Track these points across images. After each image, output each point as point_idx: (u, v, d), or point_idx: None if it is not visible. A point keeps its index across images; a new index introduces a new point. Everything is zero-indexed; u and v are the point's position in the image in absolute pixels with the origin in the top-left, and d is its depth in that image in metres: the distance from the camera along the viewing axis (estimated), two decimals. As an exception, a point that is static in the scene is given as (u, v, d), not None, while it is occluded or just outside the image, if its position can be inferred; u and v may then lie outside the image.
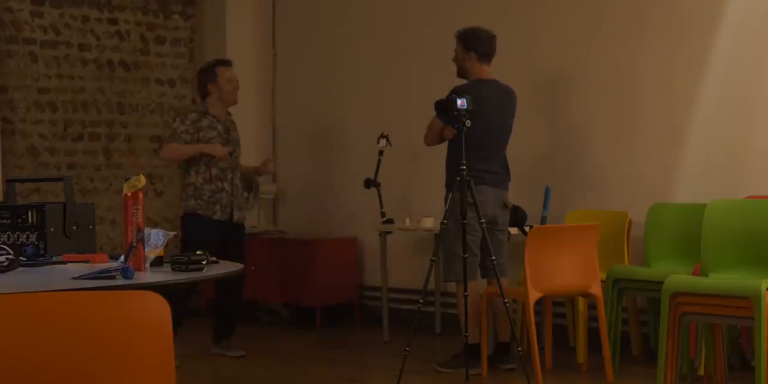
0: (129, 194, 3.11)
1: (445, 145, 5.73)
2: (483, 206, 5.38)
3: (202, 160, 5.99)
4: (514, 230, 5.87)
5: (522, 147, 6.17)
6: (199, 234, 5.85)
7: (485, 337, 5.46)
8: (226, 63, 6.23)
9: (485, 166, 5.59)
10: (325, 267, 7.30)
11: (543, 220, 6.07)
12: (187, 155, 5.97)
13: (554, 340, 5.79)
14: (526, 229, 5.82)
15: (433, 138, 5.70)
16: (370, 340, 6.74)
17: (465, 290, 5.31)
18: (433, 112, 5.53)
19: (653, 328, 5.71)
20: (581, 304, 5.65)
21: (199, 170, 6.01)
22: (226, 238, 6.04)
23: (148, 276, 2.95)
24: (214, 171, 6.03)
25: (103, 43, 7.69)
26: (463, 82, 5.72)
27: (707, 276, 4.72)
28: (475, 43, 5.69)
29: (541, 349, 5.59)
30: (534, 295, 5.16)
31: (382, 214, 6.73)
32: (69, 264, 3.26)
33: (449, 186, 5.58)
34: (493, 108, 5.61)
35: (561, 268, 5.24)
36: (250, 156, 7.98)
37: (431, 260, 5.18)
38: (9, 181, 4.09)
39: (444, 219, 5.24)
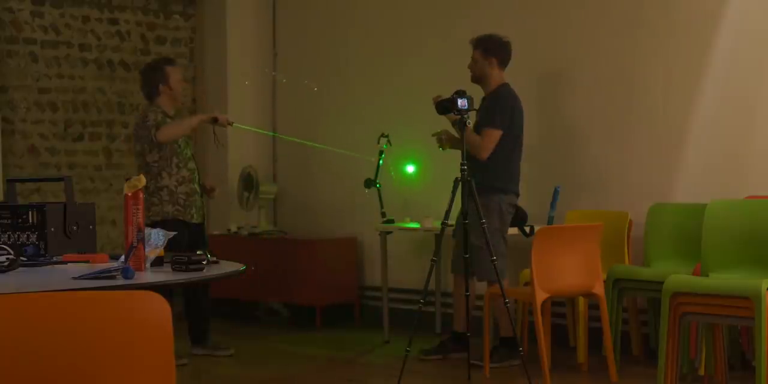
0: (129, 194, 3.11)
1: (437, 149, 5.88)
2: (507, 210, 5.73)
3: (173, 161, 5.87)
4: (513, 230, 5.86)
5: (523, 147, 6.16)
6: (183, 241, 5.56)
7: (488, 336, 5.47)
8: (174, 62, 6.10)
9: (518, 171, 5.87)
10: (325, 267, 7.30)
11: (550, 220, 6.08)
12: (190, 127, 5.83)
13: (554, 340, 5.79)
14: (526, 229, 5.82)
15: (491, 149, 5.69)
16: (370, 340, 6.74)
17: (466, 290, 5.31)
18: (433, 113, 5.55)
19: (653, 328, 5.71)
20: (581, 304, 5.66)
21: (171, 172, 5.87)
22: (197, 239, 5.91)
23: (149, 276, 2.96)
24: (184, 172, 5.90)
25: (104, 43, 7.69)
26: (474, 88, 5.71)
27: (707, 276, 4.72)
28: (496, 49, 5.77)
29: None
30: (541, 296, 5.14)
31: (382, 214, 6.73)
32: (69, 264, 3.27)
33: (497, 188, 5.69)
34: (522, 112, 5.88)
35: (566, 268, 5.24)
36: (250, 156, 8.01)
37: (432, 260, 5.18)
38: (9, 181, 4.10)
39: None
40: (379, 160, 6.70)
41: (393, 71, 7.36)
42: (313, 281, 7.28)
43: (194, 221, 5.93)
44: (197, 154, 8.14)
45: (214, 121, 5.99)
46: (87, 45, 7.61)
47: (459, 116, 5.21)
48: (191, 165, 5.97)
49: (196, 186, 6.00)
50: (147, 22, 7.95)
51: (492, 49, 5.79)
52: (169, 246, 3.23)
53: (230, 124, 6.08)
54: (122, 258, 3.07)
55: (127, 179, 3.16)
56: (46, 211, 3.58)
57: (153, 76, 5.96)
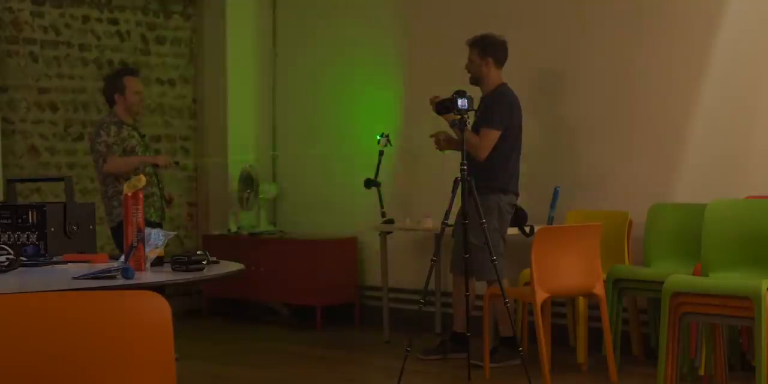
0: (129, 194, 3.12)
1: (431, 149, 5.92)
2: (506, 210, 5.73)
3: None
4: (513, 230, 5.87)
5: (522, 147, 6.17)
6: None
7: (488, 336, 5.47)
8: (134, 72, 6.17)
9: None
10: (325, 267, 7.30)
11: (550, 220, 6.09)
12: (133, 167, 5.87)
13: (554, 340, 5.79)
14: (526, 229, 5.82)
15: (489, 149, 5.69)
16: (370, 340, 6.74)
17: (466, 290, 5.33)
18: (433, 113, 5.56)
19: (653, 328, 5.71)
20: (581, 304, 5.65)
21: (129, 178, 5.90)
22: None
23: (149, 276, 2.96)
24: (100, 175, 5.97)
25: (104, 43, 7.69)
26: (473, 88, 5.71)
27: (707, 276, 4.72)
28: (492, 49, 5.77)
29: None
30: (541, 296, 5.15)
31: (382, 214, 6.73)
32: (69, 264, 3.27)
33: (496, 188, 5.69)
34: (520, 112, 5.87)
35: (566, 268, 5.24)
36: (250, 156, 8.01)
37: (432, 260, 5.18)
38: (9, 181, 4.10)
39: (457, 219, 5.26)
40: (379, 159, 6.70)
41: (393, 71, 7.36)
42: (313, 281, 7.28)
43: (152, 219, 5.92)
44: (197, 153, 8.18)
45: (155, 166, 6.03)
46: (87, 45, 7.60)
47: (458, 116, 5.22)
48: (149, 170, 5.98)
49: (156, 189, 6.01)
50: (147, 22, 7.95)
51: (488, 48, 5.78)
52: None
53: (175, 163, 6.10)
54: (122, 258, 3.07)
55: (127, 179, 3.16)
56: (46, 211, 3.59)
57: (111, 85, 6.05)
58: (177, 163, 6.00)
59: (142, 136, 6.08)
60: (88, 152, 7.59)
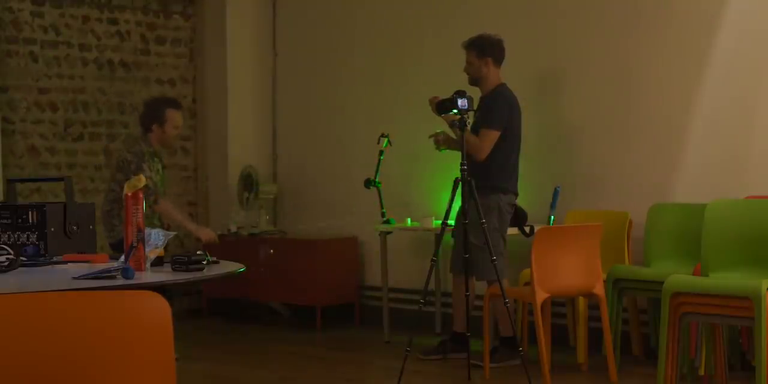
0: (129, 194, 3.11)
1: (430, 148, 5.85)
2: (506, 210, 5.71)
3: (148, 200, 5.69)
4: (513, 230, 5.87)
5: (522, 147, 6.17)
6: None
7: (488, 336, 5.47)
8: (177, 105, 5.97)
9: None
10: (325, 267, 7.30)
11: (550, 221, 6.09)
12: (172, 222, 5.78)
13: (554, 340, 5.79)
14: (526, 229, 5.82)
15: (489, 149, 5.69)
16: (370, 340, 6.74)
17: (467, 290, 5.33)
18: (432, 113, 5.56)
19: (653, 328, 5.71)
20: (581, 304, 5.66)
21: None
22: None
23: (149, 276, 2.96)
24: (146, 210, 5.76)
25: (104, 43, 7.69)
26: (473, 90, 5.71)
27: (707, 276, 4.72)
28: (490, 49, 5.78)
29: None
30: (541, 296, 5.15)
31: (382, 214, 6.73)
32: (69, 264, 3.27)
33: (496, 188, 5.68)
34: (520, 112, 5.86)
35: (566, 268, 5.24)
36: (250, 156, 8.00)
37: (432, 260, 5.18)
38: (9, 181, 4.10)
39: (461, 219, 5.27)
40: (379, 159, 6.70)
41: (393, 71, 7.36)
42: (313, 281, 7.28)
43: None
44: (197, 153, 8.19)
45: (197, 240, 6.00)
46: (87, 45, 7.60)
47: (459, 116, 5.22)
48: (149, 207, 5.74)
49: (156, 221, 5.79)
50: (147, 22, 7.95)
51: (486, 49, 5.79)
52: None
53: (216, 241, 6.01)
54: (122, 258, 3.07)
55: (127, 179, 3.16)
56: (46, 211, 3.58)
57: (152, 114, 5.87)
58: (220, 239, 5.94)
59: (163, 168, 5.93)
60: (88, 152, 7.63)
